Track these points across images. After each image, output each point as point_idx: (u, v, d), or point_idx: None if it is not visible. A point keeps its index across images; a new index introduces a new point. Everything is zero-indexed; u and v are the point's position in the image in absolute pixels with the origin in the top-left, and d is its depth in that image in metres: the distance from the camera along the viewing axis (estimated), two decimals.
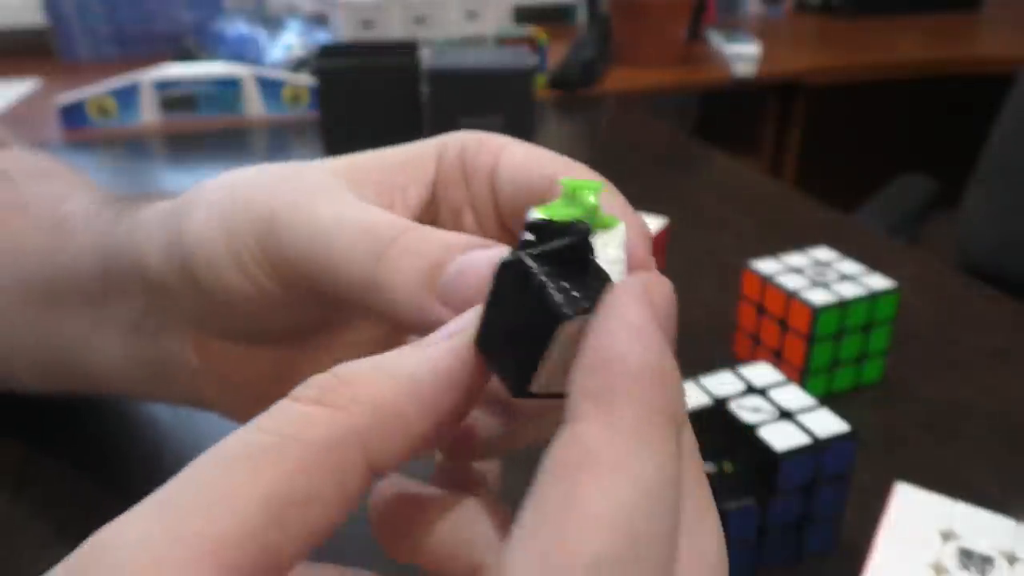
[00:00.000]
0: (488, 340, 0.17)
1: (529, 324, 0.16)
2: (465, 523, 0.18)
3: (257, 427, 0.15)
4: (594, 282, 0.16)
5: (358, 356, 0.28)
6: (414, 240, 0.20)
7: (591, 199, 0.18)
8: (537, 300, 0.16)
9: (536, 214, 0.17)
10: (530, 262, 0.16)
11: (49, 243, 0.31)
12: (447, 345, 0.17)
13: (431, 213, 0.25)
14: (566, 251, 0.16)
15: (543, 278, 0.16)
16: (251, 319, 0.25)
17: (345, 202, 0.22)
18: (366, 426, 0.15)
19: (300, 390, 0.16)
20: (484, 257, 0.19)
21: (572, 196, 0.18)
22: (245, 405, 0.28)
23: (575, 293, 0.16)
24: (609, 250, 0.18)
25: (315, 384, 0.16)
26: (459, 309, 0.18)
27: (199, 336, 0.26)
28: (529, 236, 0.17)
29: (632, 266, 0.18)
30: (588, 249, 0.17)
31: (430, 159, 0.24)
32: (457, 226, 0.25)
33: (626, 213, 0.20)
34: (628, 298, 0.15)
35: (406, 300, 0.19)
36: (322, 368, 0.28)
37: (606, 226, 0.18)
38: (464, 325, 0.17)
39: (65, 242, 0.31)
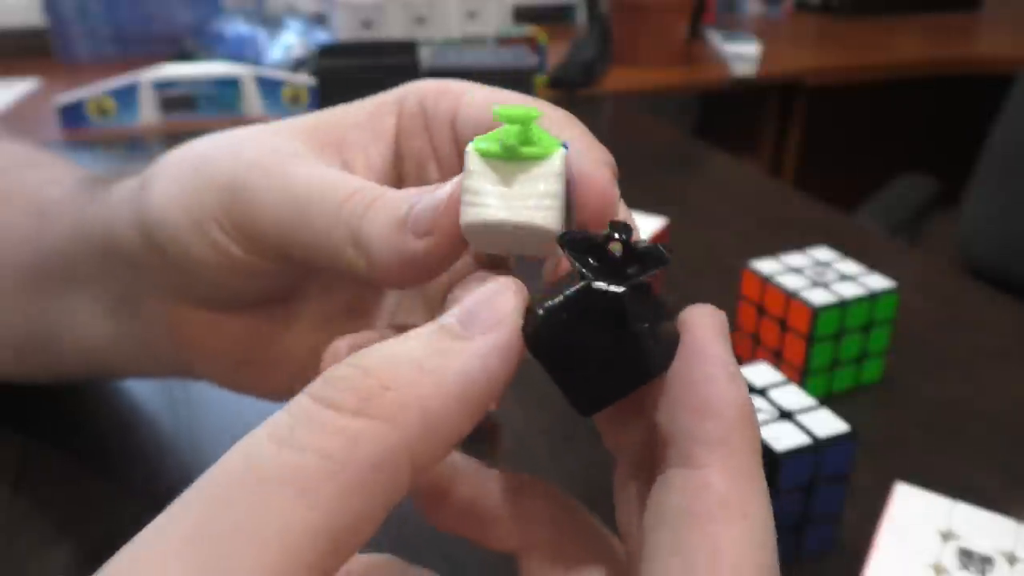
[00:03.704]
0: (547, 347, 0.16)
1: (612, 362, 0.16)
2: (503, 497, 0.19)
3: (295, 445, 0.13)
4: (661, 309, 0.16)
5: (331, 322, 0.27)
6: (388, 198, 0.20)
7: (513, 132, 0.17)
8: (630, 348, 0.15)
9: (477, 144, 0.17)
10: (632, 303, 0.15)
11: (33, 229, 0.31)
12: (493, 340, 0.16)
13: (396, 168, 0.25)
14: (647, 286, 0.16)
15: (643, 325, 0.15)
16: (221, 287, 0.25)
17: (311, 165, 0.22)
18: (415, 436, 0.14)
19: (334, 393, 0.14)
20: (443, 191, 0.18)
21: (515, 125, 0.17)
22: (227, 372, 0.28)
23: (660, 335, 0.16)
24: (539, 185, 0.17)
25: (350, 386, 0.14)
26: (421, 234, 0.18)
27: (176, 307, 0.27)
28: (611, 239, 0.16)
29: (587, 192, 0.18)
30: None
31: (390, 113, 0.24)
32: (422, 180, 0.25)
33: (578, 136, 0.20)
34: (716, 339, 0.16)
35: (382, 247, 0.19)
36: (298, 336, 0.27)
37: (541, 155, 0.17)
38: (503, 315, 0.16)
39: (48, 227, 0.31)
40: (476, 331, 0.16)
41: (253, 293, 0.26)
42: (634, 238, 0.17)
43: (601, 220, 0.18)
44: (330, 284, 0.28)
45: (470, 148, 0.17)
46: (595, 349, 0.15)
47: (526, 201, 0.17)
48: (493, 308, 0.16)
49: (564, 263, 0.19)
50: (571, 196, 0.18)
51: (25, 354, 0.34)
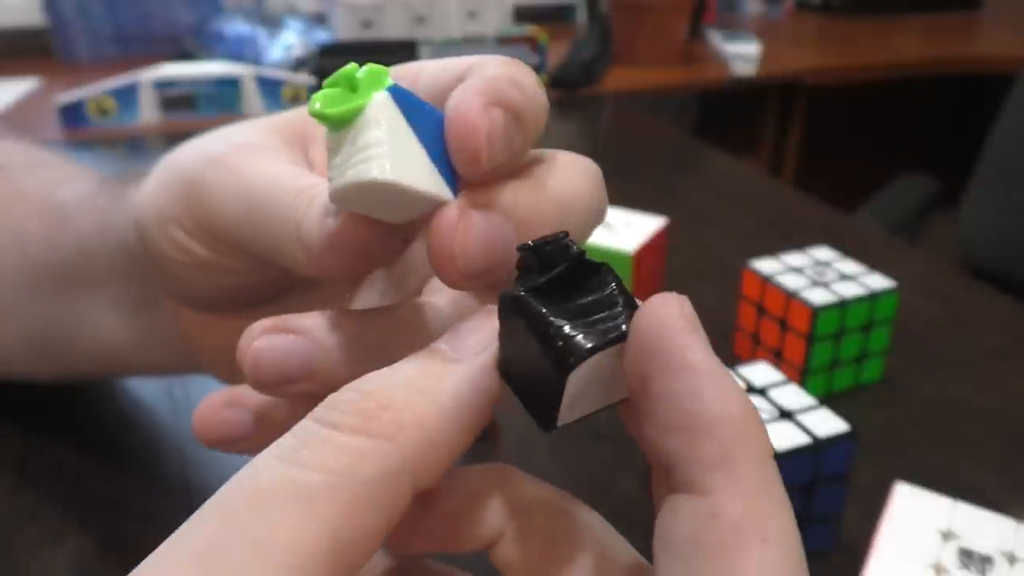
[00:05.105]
0: (508, 367, 0.16)
1: (540, 365, 0.15)
2: (465, 499, 0.18)
3: (300, 463, 0.14)
4: (608, 304, 0.15)
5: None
6: (325, 192, 0.19)
7: (328, 96, 0.16)
8: (542, 345, 0.15)
9: (315, 107, 0.16)
10: (534, 304, 0.15)
11: (51, 230, 0.32)
12: (480, 362, 0.16)
13: None
14: (567, 275, 0.15)
15: (555, 320, 0.15)
16: (194, 286, 0.25)
17: (269, 161, 0.22)
18: (415, 456, 0.15)
19: (336, 415, 0.15)
20: None
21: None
22: (230, 371, 0.28)
23: (584, 327, 0.15)
24: (359, 138, 0.16)
25: (351, 409, 0.15)
26: (337, 212, 0.18)
27: (175, 306, 0.27)
28: (528, 259, 0.16)
29: (448, 126, 0.17)
30: (591, 267, 0.16)
31: None
32: None
33: (479, 75, 0.18)
34: (689, 339, 0.14)
35: (312, 233, 0.19)
36: None
37: (352, 109, 0.16)
38: (489, 339, 0.17)
39: (66, 228, 0.31)
40: (465, 354, 0.16)
41: (228, 292, 0.26)
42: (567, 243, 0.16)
43: (465, 155, 0.17)
44: (321, 285, 0.28)
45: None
46: (531, 358, 0.15)
47: (353, 159, 0.16)
48: (480, 332, 0.17)
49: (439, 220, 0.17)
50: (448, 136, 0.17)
51: (40, 353, 0.34)
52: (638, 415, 0.15)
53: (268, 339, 0.19)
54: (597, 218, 0.19)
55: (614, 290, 0.15)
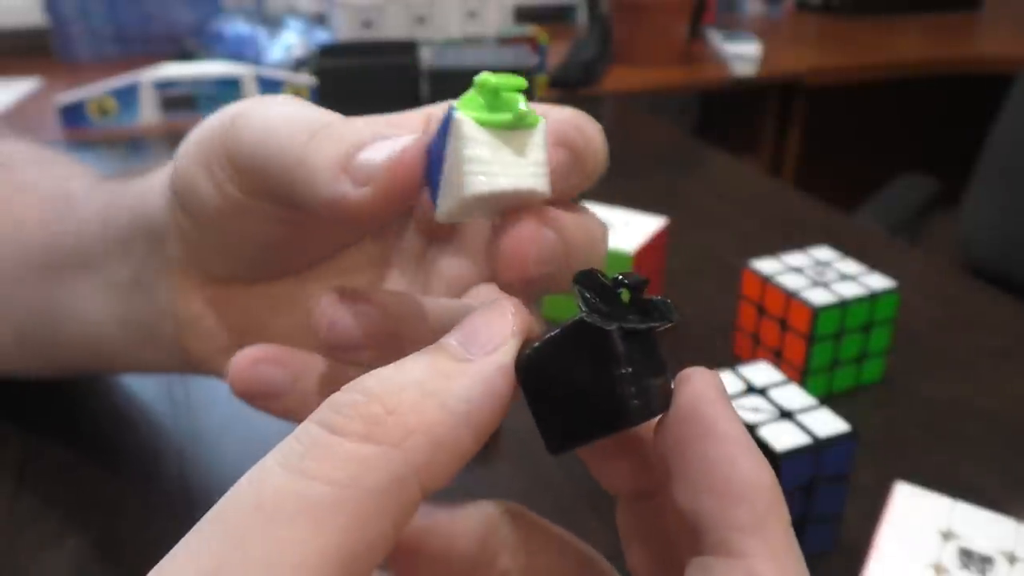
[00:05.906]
0: (531, 374, 0.16)
1: (589, 404, 0.15)
2: (473, 535, 0.18)
3: (304, 473, 0.14)
4: (658, 368, 0.16)
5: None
6: (341, 126, 0.20)
7: (520, 105, 0.17)
8: (610, 392, 0.15)
9: (473, 113, 0.17)
10: (620, 344, 0.15)
11: (52, 216, 0.32)
12: (495, 361, 0.16)
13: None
14: (648, 333, 0.16)
15: (626, 369, 0.15)
16: (223, 238, 0.25)
17: (300, 104, 0.22)
18: (423, 461, 0.15)
19: (340, 420, 0.14)
20: (389, 142, 0.18)
21: (494, 95, 0.17)
22: (223, 353, 0.28)
23: (645, 388, 0.15)
24: (534, 153, 0.17)
25: (354, 413, 0.15)
26: (360, 183, 0.18)
27: (187, 280, 0.27)
28: (603, 281, 0.16)
29: (553, 168, 0.18)
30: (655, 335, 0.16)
31: (417, 120, 0.24)
32: None
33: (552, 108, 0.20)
34: (726, 412, 0.15)
35: (323, 176, 0.19)
36: (291, 318, 0.27)
37: (529, 125, 0.17)
38: (505, 335, 0.16)
39: (68, 213, 0.31)
40: (478, 352, 0.16)
41: (261, 249, 0.25)
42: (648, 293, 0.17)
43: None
44: (329, 270, 0.28)
45: (460, 115, 0.17)
46: (574, 385, 0.15)
47: (526, 168, 0.17)
48: (494, 329, 0.16)
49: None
50: None
51: (26, 338, 0.34)
52: (668, 476, 0.16)
53: (347, 306, 0.20)
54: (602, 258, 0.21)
55: (659, 352, 0.16)
